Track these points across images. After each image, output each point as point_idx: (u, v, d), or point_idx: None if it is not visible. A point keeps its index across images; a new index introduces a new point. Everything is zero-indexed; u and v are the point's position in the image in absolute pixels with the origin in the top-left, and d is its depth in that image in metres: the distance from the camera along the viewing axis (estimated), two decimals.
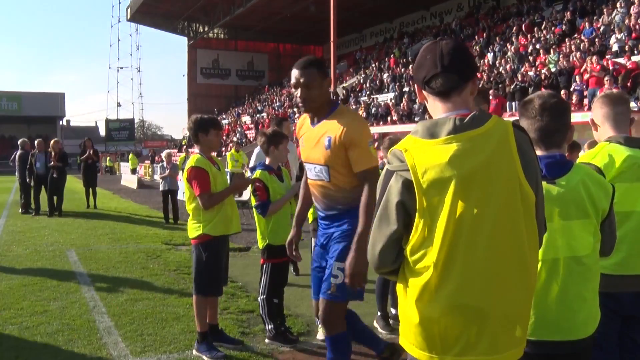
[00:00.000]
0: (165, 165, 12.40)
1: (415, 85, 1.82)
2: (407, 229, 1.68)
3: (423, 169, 1.61)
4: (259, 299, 4.40)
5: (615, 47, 15.17)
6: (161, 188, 11.83)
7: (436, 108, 1.74)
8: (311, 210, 4.55)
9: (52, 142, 13.43)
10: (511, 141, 1.64)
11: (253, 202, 4.35)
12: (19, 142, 14.07)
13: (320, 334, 4.48)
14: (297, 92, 2.94)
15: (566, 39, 17.78)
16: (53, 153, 13.01)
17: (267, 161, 4.43)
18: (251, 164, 7.51)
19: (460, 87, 1.71)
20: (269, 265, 4.31)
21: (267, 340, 4.33)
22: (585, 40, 16.53)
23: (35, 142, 13.46)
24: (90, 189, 14.54)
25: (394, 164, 1.67)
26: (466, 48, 1.79)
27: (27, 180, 13.24)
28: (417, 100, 20.10)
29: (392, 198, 1.67)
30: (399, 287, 1.76)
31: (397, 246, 1.72)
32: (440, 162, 1.60)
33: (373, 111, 22.49)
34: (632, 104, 12.27)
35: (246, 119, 36.34)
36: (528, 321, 1.74)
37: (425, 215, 1.62)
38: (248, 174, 7.63)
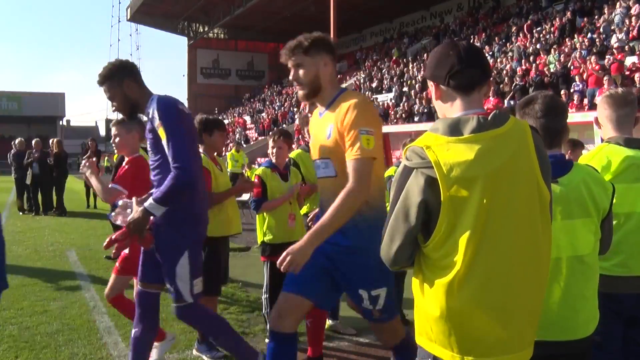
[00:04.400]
0: None
1: (432, 83, 1.79)
2: (424, 227, 1.68)
3: (448, 166, 1.60)
4: (262, 297, 4.39)
5: (615, 47, 15.16)
6: None
7: (454, 105, 1.73)
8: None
9: (55, 141, 13.55)
10: (529, 142, 1.67)
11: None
12: (15, 142, 14.10)
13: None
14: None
15: (566, 39, 17.78)
16: (57, 151, 13.24)
17: (274, 159, 4.44)
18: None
19: (482, 83, 1.73)
20: (268, 263, 4.31)
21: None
22: (586, 40, 16.52)
23: (33, 142, 13.52)
24: (91, 189, 14.56)
25: (414, 160, 1.65)
26: (482, 50, 1.86)
27: (26, 180, 13.31)
28: (417, 101, 20.11)
29: (414, 196, 1.65)
30: (416, 285, 1.76)
31: (414, 244, 1.72)
32: (467, 160, 1.59)
33: None
34: None
35: (246, 118, 36.34)
36: (539, 319, 1.75)
37: (450, 212, 1.61)
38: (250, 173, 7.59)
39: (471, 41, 22.64)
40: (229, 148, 20.28)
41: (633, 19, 15.61)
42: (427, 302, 1.69)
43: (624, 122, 2.50)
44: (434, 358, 1.71)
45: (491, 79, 1.95)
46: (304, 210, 4.64)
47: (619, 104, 2.52)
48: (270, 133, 4.64)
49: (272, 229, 4.25)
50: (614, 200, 2.14)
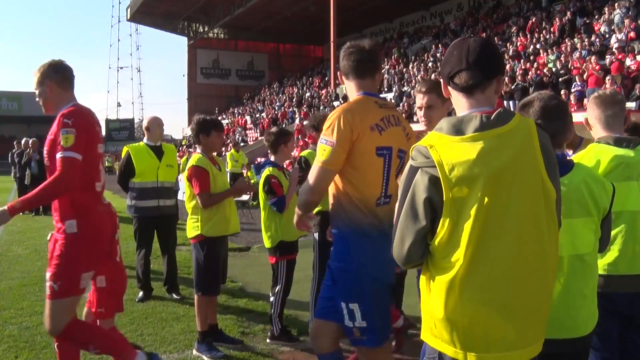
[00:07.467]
0: None
1: (441, 81, 1.84)
2: (432, 225, 1.69)
3: (450, 166, 1.61)
4: (272, 299, 4.36)
5: (615, 47, 15.15)
6: None
7: (460, 104, 1.76)
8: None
9: None
10: (535, 139, 1.67)
11: (261, 198, 4.30)
12: (25, 142, 14.16)
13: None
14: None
15: (566, 39, 17.78)
16: None
17: (273, 158, 4.43)
18: None
19: (483, 84, 1.72)
20: (284, 263, 4.29)
21: (268, 340, 4.33)
22: (586, 40, 16.52)
23: (30, 141, 13.51)
24: None
25: (419, 160, 1.67)
26: (494, 47, 1.80)
27: (25, 180, 13.32)
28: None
29: (420, 194, 1.67)
30: (423, 282, 1.77)
31: (425, 242, 1.73)
32: (468, 159, 1.61)
33: None
34: (632, 104, 12.24)
35: (246, 118, 36.33)
36: (547, 316, 1.76)
37: (452, 211, 1.62)
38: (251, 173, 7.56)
39: None
40: (228, 148, 20.27)
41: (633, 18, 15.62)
42: (432, 299, 1.71)
43: (613, 121, 2.53)
44: (439, 354, 1.72)
45: (503, 76, 1.94)
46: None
47: (607, 104, 2.54)
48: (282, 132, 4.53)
49: (288, 226, 4.23)
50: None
